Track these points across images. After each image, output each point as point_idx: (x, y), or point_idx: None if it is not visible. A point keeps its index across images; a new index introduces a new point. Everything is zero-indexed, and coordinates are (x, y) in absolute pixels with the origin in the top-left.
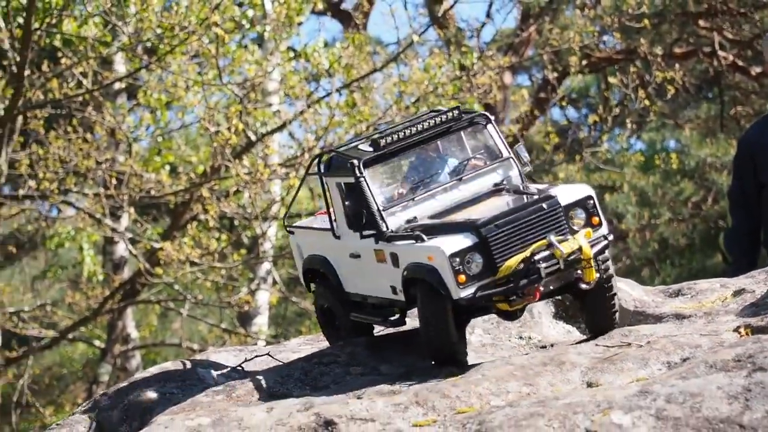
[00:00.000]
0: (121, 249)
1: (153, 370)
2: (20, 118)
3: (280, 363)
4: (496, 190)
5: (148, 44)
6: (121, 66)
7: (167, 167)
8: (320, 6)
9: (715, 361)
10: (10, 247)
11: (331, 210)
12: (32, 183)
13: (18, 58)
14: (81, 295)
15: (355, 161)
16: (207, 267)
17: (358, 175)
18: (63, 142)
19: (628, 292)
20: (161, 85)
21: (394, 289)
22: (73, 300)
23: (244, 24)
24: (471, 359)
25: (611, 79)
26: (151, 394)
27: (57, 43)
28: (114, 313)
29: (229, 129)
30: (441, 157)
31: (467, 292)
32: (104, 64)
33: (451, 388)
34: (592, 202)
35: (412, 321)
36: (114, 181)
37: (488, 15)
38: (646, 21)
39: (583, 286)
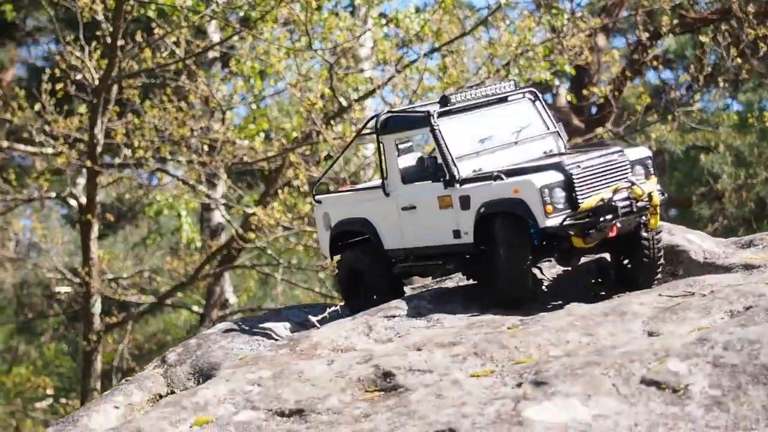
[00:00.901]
0: (218, 216)
1: (221, 326)
2: (115, 88)
3: (346, 317)
4: (548, 156)
5: (241, 13)
6: (215, 36)
7: (261, 134)
8: None
9: None
10: (108, 216)
11: (383, 168)
12: (128, 152)
13: (111, 29)
14: (179, 261)
15: (431, 110)
16: (298, 231)
17: (434, 123)
18: (158, 111)
19: (698, 244)
20: (253, 53)
21: (457, 233)
22: (172, 266)
23: None
24: (535, 309)
25: (703, 39)
26: (218, 350)
27: (151, 13)
28: (211, 278)
29: (321, 95)
30: (499, 121)
31: (553, 221)
32: (198, 33)
33: (509, 339)
34: (650, 161)
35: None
36: (206, 149)
37: None
38: None
39: (644, 233)
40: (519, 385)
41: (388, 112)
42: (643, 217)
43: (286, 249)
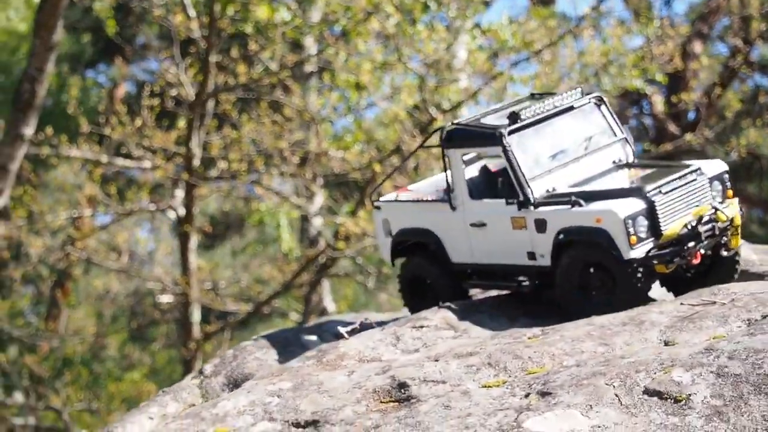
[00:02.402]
0: (316, 225)
1: (258, 337)
2: (212, 103)
3: (376, 328)
4: (619, 166)
5: (337, 28)
6: (312, 50)
7: (357, 146)
8: None
9: None
10: (206, 227)
11: (450, 181)
12: (224, 164)
13: (205, 46)
14: (277, 270)
15: (502, 130)
16: None
17: (506, 144)
18: (254, 124)
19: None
20: (346, 66)
21: (532, 255)
22: (270, 275)
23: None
24: (556, 320)
25: None
26: (252, 361)
27: (249, 29)
28: (307, 287)
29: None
30: (568, 132)
31: (638, 252)
32: (295, 47)
33: (524, 349)
34: (727, 176)
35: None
36: (296, 160)
37: None
38: None
39: (724, 252)
40: (527, 395)
41: (455, 124)
42: (724, 238)
43: (378, 258)
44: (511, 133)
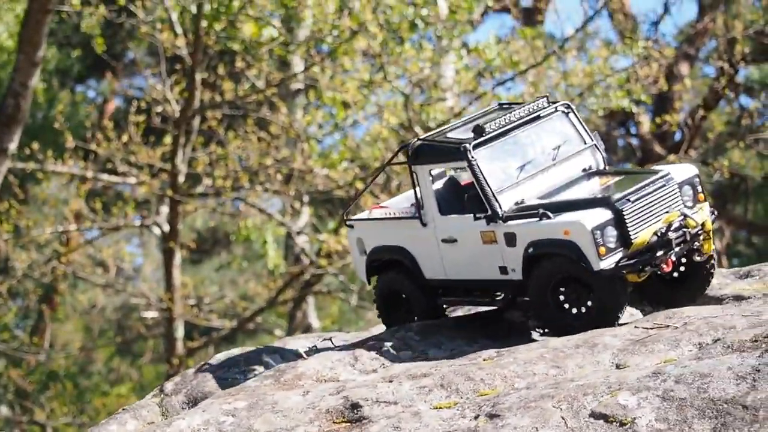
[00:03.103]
0: (301, 243)
1: (220, 356)
2: (197, 120)
3: (336, 348)
4: (588, 174)
5: (324, 46)
6: (299, 68)
7: (343, 163)
8: (490, 3)
9: (732, 342)
10: (191, 243)
11: (419, 198)
12: (208, 181)
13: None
14: (263, 286)
15: (467, 145)
16: None
17: (471, 158)
18: (241, 141)
19: None
20: (332, 84)
21: (503, 270)
22: (255, 292)
23: (418, 24)
24: (516, 342)
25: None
26: (213, 380)
27: (236, 47)
28: (291, 303)
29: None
30: (535, 142)
31: (607, 263)
32: (283, 66)
33: (477, 371)
34: (698, 180)
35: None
36: (280, 177)
37: (666, 8)
38: None
39: (697, 258)
40: (476, 417)
41: (420, 140)
42: (696, 243)
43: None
44: (476, 147)
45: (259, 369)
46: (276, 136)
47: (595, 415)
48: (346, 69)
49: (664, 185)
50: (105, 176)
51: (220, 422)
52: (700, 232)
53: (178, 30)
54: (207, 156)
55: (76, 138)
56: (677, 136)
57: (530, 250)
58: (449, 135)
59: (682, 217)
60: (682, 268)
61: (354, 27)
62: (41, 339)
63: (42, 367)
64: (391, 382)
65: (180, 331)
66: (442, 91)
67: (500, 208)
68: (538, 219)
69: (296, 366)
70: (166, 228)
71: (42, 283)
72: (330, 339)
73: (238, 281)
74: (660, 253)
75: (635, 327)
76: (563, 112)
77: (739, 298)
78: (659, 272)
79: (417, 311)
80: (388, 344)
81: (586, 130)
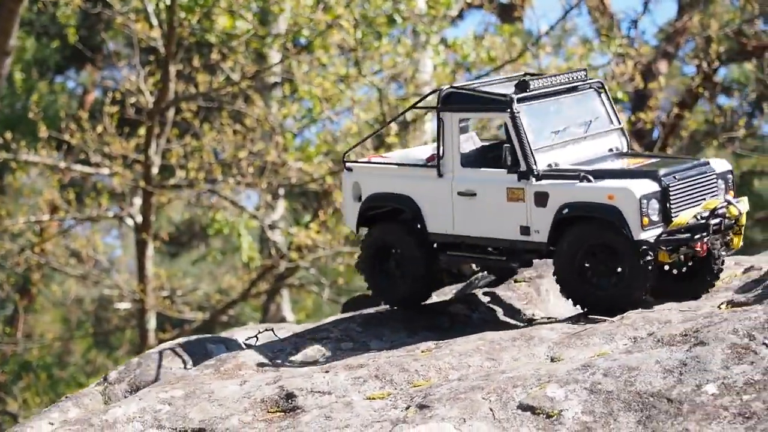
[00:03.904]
0: (274, 236)
1: (165, 346)
2: (172, 111)
3: (279, 339)
4: (617, 154)
5: (301, 39)
6: (276, 61)
7: (320, 157)
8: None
9: (663, 336)
10: (163, 235)
11: (441, 145)
12: (182, 173)
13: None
14: (237, 279)
15: (513, 95)
16: (331, 253)
17: (515, 110)
18: (216, 134)
19: None
20: (307, 78)
21: (525, 230)
22: (229, 285)
23: (396, 19)
24: (458, 334)
25: (748, 66)
26: (156, 369)
27: (213, 39)
28: (265, 296)
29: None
30: (570, 112)
31: (648, 235)
32: (261, 59)
33: (412, 363)
34: (731, 176)
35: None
36: (252, 170)
37: (645, 6)
38: None
39: (723, 252)
40: (407, 408)
41: (453, 87)
42: (727, 237)
43: (331, 269)
44: (519, 101)
45: (203, 358)
46: (252, 129)
47: (522, 407)
48: (323, 63)
49: (706, 172)
50: (78, 167)
51: (156, 410)
52: (734, 224)
53: (154, 21)
54: (182, 148)
55: (53, 129)
56: (655, 134)
57: (565, 211)
58: (484, 89)
59: (725, 204)
60: (690, 264)
61: (329, 21)
62: (14, 329)
63: (16, 358)
64: (327, 372)
65: (152, 323)
66: (416, 87)
67: (536, 165)
68: (578, 181)
69: (237, 356)
70: (139, 219)
71: (18, 273)
72: (272, 330)
73: (216, 274)
74: (698, 236)
75: (571, 321)
76: (596, 89)
77: None
78: (692, 255)
79: (411, 272)
80: (331, 335)
81: (615, 113)
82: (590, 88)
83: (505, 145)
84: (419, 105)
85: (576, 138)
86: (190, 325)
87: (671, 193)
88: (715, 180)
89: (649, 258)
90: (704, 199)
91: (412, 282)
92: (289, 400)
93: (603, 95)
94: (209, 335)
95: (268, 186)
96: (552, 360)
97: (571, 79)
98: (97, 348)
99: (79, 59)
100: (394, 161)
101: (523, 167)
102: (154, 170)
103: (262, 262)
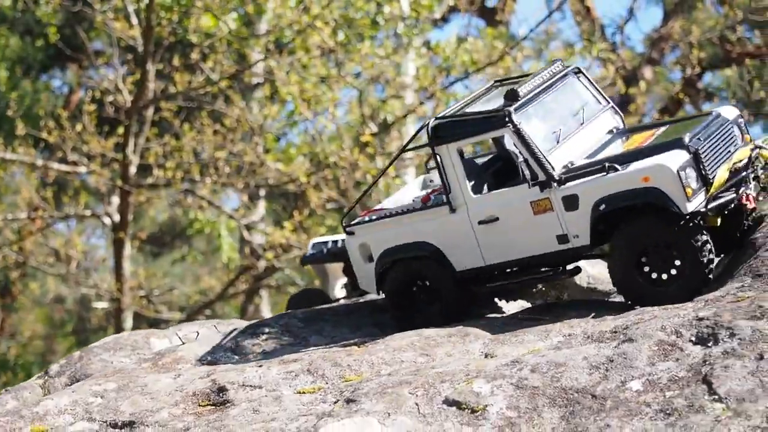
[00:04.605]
0: (251, 236)
1: (108, 339)
2: (151, 110)
3: (220, 333)
4: (620, 132)
5: (283, 40)
6: (259, 63)
7: (300, 158)
8: (451, 2)
9: (593, 333)
10: (140, 234)
11: (446, 181)
12: (160, 173)
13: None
14: (216, 279)
15: (510, 109)
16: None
17: (516, 122)
18: (195, 134)
19: (586, 269)
20: (288, 79)
21: (563, 238)
22: (208, 285)
23: (379, 21)
24: (396, 332)
25: (728, 72)
26: (97, 363)
27: (195, 39)
28: (245, 296)
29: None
30: (560, 106)
31: (695, 204)
32: (242, 59)
33: (346, 358)
34: (743, 120)
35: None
36: (228, 170)
37: (631, 12)
38: None
39: (761, 197)
40: (336, 402)
41: (437, 118)
42: (763, 178)
43: (307, 269)
44: (516, 111)
45: (145, 353)
46: (232, 129)
47: (448, 402)
48: (304, 65)
49: (723, 123)
50: (56, 165)
51: (88, 403)
52: (765, 167)
53: (134, 20)
54: (161, 147)
55: (35, 127)
56: None
57: (602, 207)
58: (469, 110)
59: (756, 149)
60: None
61: (308, 21)
62: None
63: None
64: (260, 366)
65: (129, 322)
66: (397, 89)
67: (554, 170)
68: (604, 174)
69: (177, 350)
70: (117, 218)
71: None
72: (214, 326)
73: (200, 275)
74: (739, 190)
75: (509, 318)
76: (575, 75)
77: None
78: (742, 209)
79: (447, 306)
80: (271, 330)
81: (600, 92)
82: (569, 75)
83: (489, 170)
84: (410, 147)
85: (575, 130)
86: (167, 325)
87: (703, 157)
88: (732, 128)
89: (701, 235)
90: (730, 151)
91: (449, 311)
92: (220, 394)
93: (583, 78)
94: (155, 330)
95: (245, 186)
96: (486, 356)
97: (550, 73)
98: (78, 347)
99: (66, 58)
100: (396, 210)
101: (541, 177)
102: (132, 169)
103: (241, 263)
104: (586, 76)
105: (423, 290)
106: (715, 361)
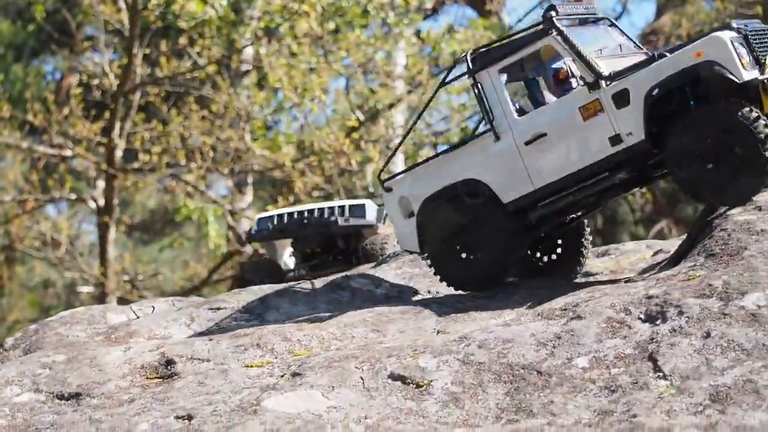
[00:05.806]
0: (245, 222)
1: (65, 314)
2: (138, 95)
3: (176, 309)
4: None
5: (272, 26)
6: (248, 49)
7: (289, 146)
8: None
9: (543, 310)
10: (125, 219)
11: (488, 108)
12: (145, 157)
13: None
14: (203, 266)
15: (550, 14)
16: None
17: (560, 27)
18: (183, 119)
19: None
20: (277, 65)
21: (616, 139)
22: (195, 271)
23: (370, 11)
24: (354, 309)
25: None
26: (53, 336)
27: (184, 24)
28: (231, 282)
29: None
30: (598, 37)
31: (752, 74)
32: (231, 45)
33: (295, 332)
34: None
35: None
36: (211, 155)
37: (624, 6)
38: (759, 8)
39: None
40: (282, 376)
41: (475, 49)
42: None
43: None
44: (560, 18)
45: (101, 327)
46: (220, 115)
47: (393, 377)
48: (293, 53)
49: (760, 29)
50: (41, 148)
51: (36, 374)
52: None
53: (121, 4)
54: (148, 132)
55: (25, 111)
56: None
57: (655, 92)
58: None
59: None
60: None
61: (296, 8)
62: None
63: None
64: (210, 340)
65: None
66: (387, 77)
67: (602, 68)
68: (654, 61)
69: (130, 324)
70: (102, 202)
71: None
72: (172, 302)
73: (187, 261)
74: None
75: (464, 296)
76: (610, 24)
77: (588, 275)
78: None
79: (498, 240)
80: (227, 305)
81: (635, 42)
82: (605, 22)
83: (528, 90)
84: (449, 80)
85: (616, 55)
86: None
87: (751, 38)
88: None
89: (756, 126)
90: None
91: (493, 258)
92: (168, 367)
93: (618, 29)
94: (113, 305)
95: (230, 171)
96: (438, 333)
97: (590, 12)
98: None
99: (58, 44)
100: (434, 154)
101: (589, 77)
102: (118, 153)
103: (227, 249)
104: (620, 28)
105: (471, 235)
106: (662, 338)
